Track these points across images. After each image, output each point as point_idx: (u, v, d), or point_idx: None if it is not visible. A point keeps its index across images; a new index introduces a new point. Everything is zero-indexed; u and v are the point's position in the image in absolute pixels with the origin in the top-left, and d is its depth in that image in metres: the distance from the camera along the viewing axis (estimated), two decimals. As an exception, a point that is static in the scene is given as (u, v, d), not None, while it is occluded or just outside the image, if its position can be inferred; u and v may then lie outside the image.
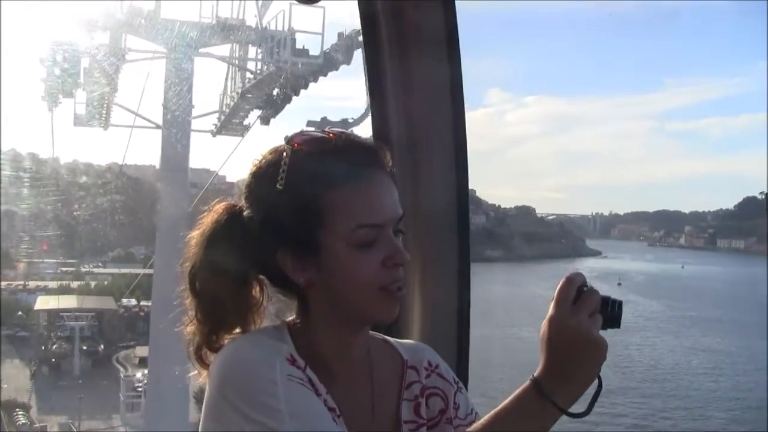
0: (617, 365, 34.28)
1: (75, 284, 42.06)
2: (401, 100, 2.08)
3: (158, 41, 17.13)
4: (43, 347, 35.08)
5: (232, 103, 18.31)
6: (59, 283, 41.57)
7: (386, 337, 1.51)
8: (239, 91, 17.79)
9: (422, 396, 1.46)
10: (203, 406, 1.29)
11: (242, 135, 18.76)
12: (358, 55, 15.59)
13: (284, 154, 1.31)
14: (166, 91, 17.23)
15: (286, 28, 16.37)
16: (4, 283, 38.86)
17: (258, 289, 1.41)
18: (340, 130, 1.36)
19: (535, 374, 1.30)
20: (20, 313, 36.93)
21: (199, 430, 1.30)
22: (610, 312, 1.30)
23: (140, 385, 27.31)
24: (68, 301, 36.55)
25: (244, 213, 1.36)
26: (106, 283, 43.01)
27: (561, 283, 1.30)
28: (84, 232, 36.82)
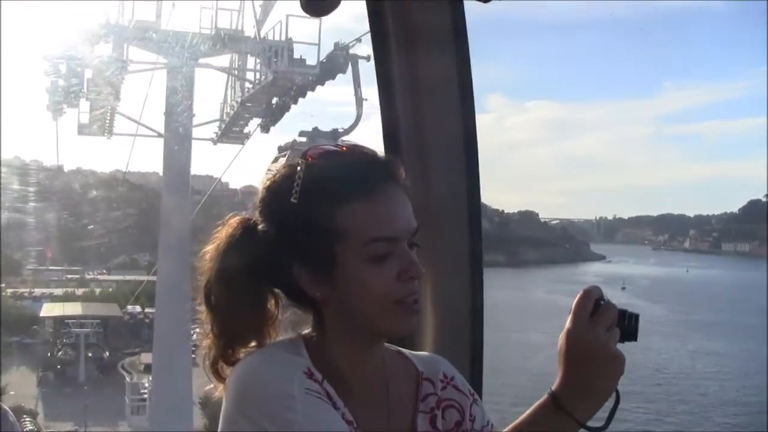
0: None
1: (80, 291, 42.14)
2: (410, 98, 2.06)
3: (160, 52, 17.27)
4: (48, 354, 35.12)
5: (232, 112, 18.43)
6: (64, 290, 41.65)
7: (401, 349, 1.51)
8: (239, 100, 17.92)
9: (438, 408, 1.45)
10: (220, 420, 1.29)
11: (243, 143, 18.96)
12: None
13: (298, 168, 1.31)
14: (167, 100, 17.36)
15: (283, 38, 16.48)
16: (9, 291, 38.95)
17: (273, 302, 1.41)
18: (353, 143, 1.36)
19: (553, 388, 1.29)
20: (26, 320, 36.95)
21: None
22: (627, 325, 1.30)
23: (145, 391, 27.37)
24: (73, 308, 36.62)
25: (259, 227, 1.35)
26: (110, 290, 43.05)
27: (578, 296, 1.30)
28: (88, 238, 36.91)
